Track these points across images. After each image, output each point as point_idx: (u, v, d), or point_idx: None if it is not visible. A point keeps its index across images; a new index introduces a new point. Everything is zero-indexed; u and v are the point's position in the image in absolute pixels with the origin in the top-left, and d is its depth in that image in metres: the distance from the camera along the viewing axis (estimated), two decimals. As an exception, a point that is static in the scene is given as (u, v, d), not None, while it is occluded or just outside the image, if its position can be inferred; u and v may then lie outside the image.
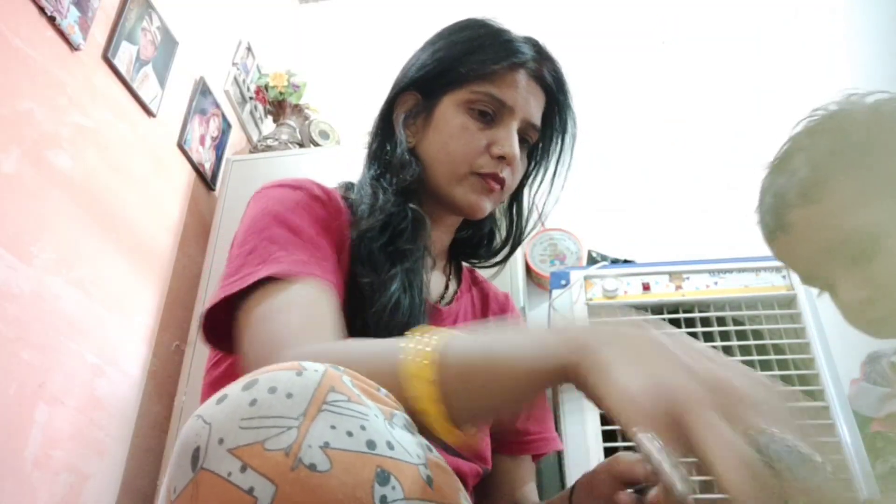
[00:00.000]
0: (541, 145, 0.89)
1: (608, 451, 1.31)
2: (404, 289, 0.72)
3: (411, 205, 0.78)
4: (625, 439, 1.33)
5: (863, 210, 0.72)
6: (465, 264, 0.96)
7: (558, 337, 0.45)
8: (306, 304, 0.61)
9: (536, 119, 0.82)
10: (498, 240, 0.94)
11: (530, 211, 0.93)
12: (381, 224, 0.75)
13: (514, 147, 0.78)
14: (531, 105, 0.81)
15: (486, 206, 0.80)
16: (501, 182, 0.79)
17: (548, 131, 0.87)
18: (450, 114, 0.79)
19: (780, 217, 0.77)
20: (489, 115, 0.78)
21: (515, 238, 0.92)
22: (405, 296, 0.71)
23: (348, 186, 0.84)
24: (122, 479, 1.53)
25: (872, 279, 0.72)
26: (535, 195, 0.92)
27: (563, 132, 0.88)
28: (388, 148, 0.83)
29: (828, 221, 0.73)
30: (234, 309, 0.65)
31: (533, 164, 0.90)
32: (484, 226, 0.93)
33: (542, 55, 0.83)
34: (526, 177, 0.91)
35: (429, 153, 0.81)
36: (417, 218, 0.78)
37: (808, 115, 0.79)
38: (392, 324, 0.69)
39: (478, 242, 0.94)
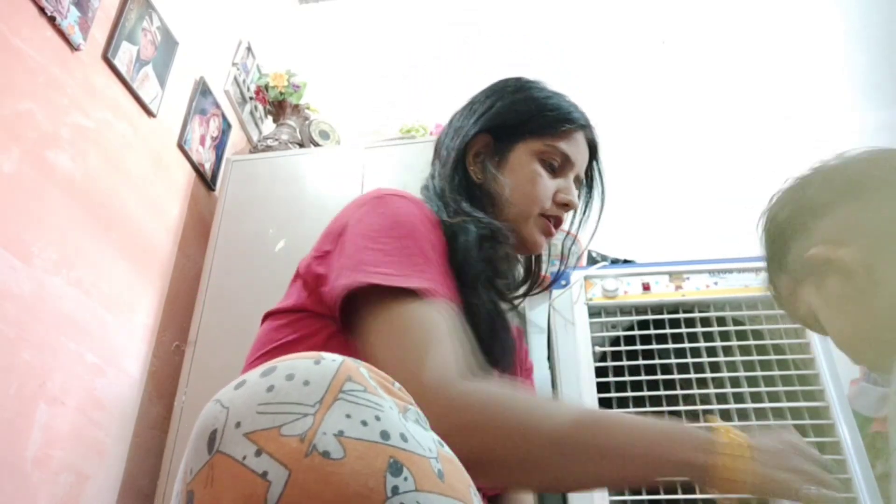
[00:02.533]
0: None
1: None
2: (497, 314, 0.85)
3: (510, 240, 0.87)
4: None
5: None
6: None
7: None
8: (449, 330, 0.68)
9: (583, 173, 0.97)
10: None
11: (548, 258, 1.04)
12: (486, 257, 0.83)
13: (576, 196, 0.94)
14: (584, 162, 0.96)
15: (545, 244, 0.94)
16: (559, 225, 0.93)
17: (585, 183, 1.02)
18: (525, 160, 0.91)
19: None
20: (555, 166, 0.92)
21: (534, 279, 1.03)
22: (498, 319, 0.85)
23: None
24: (122, 479, 1.53)
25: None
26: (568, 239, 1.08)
27: (591, 187, 1.02)
28: (477, 182, 0.92)
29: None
30: (361, 298, 0.69)
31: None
32: None
33: (589, 122, 0.97)
34: None
35: (502, 192, 0.90)
36: (512, 255, 0.90)
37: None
38: (492, 343, 0.80)
39: None
